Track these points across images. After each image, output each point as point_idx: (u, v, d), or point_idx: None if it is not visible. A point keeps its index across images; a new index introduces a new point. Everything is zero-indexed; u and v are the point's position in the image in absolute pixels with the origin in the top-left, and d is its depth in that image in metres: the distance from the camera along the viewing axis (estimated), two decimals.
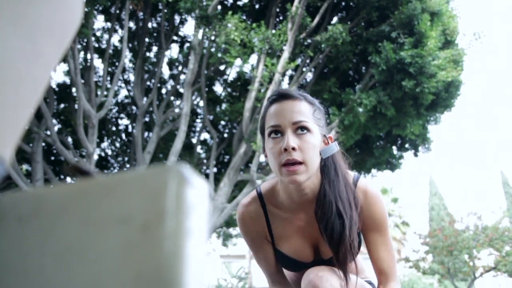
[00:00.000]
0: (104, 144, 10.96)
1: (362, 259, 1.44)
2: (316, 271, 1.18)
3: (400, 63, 7.36)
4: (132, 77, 10.20)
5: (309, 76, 9.36)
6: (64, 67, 9.52)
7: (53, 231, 0.28)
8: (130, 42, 9.57)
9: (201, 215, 0.27)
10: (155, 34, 9.92)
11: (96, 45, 9.60)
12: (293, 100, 1.20)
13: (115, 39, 10.63)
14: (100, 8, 8.64)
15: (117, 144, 11.02)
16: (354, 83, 9.41)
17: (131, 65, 10.41)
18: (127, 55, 9.84)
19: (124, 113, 10.97)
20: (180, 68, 10.33)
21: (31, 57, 0.33)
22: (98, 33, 9.74)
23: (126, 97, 10.88)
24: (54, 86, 9.43)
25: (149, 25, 9.57)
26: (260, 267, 1.38)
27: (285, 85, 9.35)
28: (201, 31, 8.28)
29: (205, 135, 11.08)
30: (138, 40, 9.54)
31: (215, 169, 10.12)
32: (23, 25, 0.32)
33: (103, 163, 10.87)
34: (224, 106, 10.68)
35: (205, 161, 10.55)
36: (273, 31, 7.84)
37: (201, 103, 10.18)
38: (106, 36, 9.67)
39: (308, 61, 8.81)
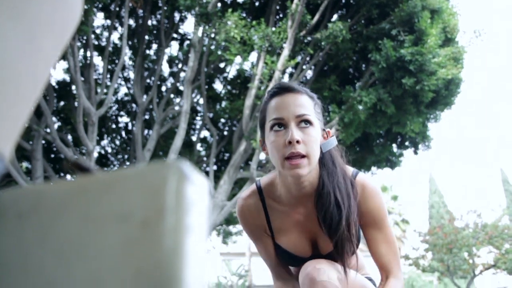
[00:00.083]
0: (104, 142, 10.97)
1: (363, 256, 1.44)
2: (313, 264, 1.18)
3: (400, 60, 7.36)
4: (132, 75, 10.19)
5: (309, 73, 9.35)
6: (63, 64, 9.51)
7: (53, 227, 0.28)
8: (130, 40, 9.55)
9: (201, 211, 0.27)
10: (155, 32, 9.91)
11: (96, 42, 9.59)
12: (295, 93, 1.20)
13: (115, 37, 10.64)
14: (100, 6, 8.62)
15: (117, 142, 11.02)
16: (354, 80, 9.40)
17: (131, 62, 10.40)
18: (127, 53, 9.83)
19: (124, 110, 10.97)
20: (180, 65, 10.32)
21: (31, 54, 0.33)
22: (98, 31, 9.73)
23: (126, 94, 10.88)
24: (54, 83, 9.43)
25: (149, 22, 9.56)
26: (263, 259, 1.39)
27: None
28: (201, 29, 8.27)
29: (205, 133, 11.09)
30: (138, 38, 9.53)
31: (215, 167, 10.13)
32: (22, 21, 0.32)
33: (103, 161, 10.87)
34: (224, 103, 10.67)
35: (205, 158, 10.56)
36: (273, 29, 7.83)
37: (201, 101, 10.18)
38: (106, 33, 9.66)
39: (308, 58, 8.80)
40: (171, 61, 10.66)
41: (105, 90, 8.49)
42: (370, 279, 1.40)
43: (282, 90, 1.21)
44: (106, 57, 8.43)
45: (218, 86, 10.88)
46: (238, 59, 9.09)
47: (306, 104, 1.19)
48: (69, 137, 9.43)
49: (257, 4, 9.24)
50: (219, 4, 8.33)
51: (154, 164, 0.27)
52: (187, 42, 10.29)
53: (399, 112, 8.00)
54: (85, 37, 8.40)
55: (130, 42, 9.64)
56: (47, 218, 0.28)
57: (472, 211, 12.34)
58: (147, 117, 10.29)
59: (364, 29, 8.18)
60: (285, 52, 7.57)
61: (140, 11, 9.28)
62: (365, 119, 7.90)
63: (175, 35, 10.15)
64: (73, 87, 8.85)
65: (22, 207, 0.29)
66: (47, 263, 0.27)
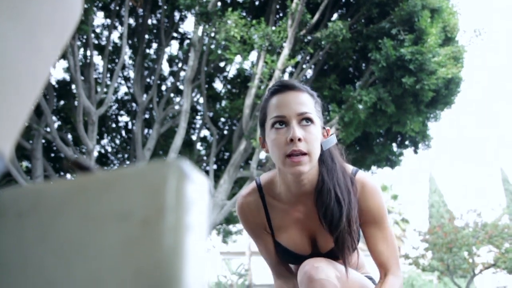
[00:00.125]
0: (104, 141, 10.96)
1: (364, 256, 1.44)
2: (312, 262, 1.18)
3: (400, 60, 7.35)
4: (132, 74, 10.19)
5: (309, 73, 9.35)
6: (63, 64, 9.52)
7: (53, 226, 0.28)
8: (130, 39, 9.55)
9: (201, 210, 0.27)
10: (155, 31, 9.90)
11: (96, 41, 9.58)
12: (296, 91, 1.20)
13: (114, 36, 10.63)
14: (100, 5, 8.62)
15: (117, 141, 11.02)
16: (354, 80, 9.40)
17: (131, 62, 10.39)
18: (127, 52, 9.83)
19: (124, 110, 10.97)
20: (180, 65, 10.32)
21: (31, 53, 0.33)
22: (98, 30, 9.73)
23: (126, 94, 10.87)
24: (54, 83, 9.42)
25: (149, 21, 9.55)
26: (263, 258, 1.39)
27: None
28: (201, 28, 8.27)
29: (205, 132, 11.09)
30: (138, 37, 9.53)
31: (215, 166, 10.13)
32: (22, 20, 0.32)
33: (103, 160, 10.87)
34: (224, 103, 10.67)
35: (205, 158, 10.56)
36: (273, 28, 7.83)
37: (201, 100, 10.17)
38: (105, 32, 9.66)
39: (308, 58, 8.80)
40: (171, 60, 10.65)
41: (105, 89, 8.49)
42: (370, 278, 1.40)
43: (283, 87, 1.21)
44: (106, 56, 8.42)
45: (218, 85, 10.89)
46: (238, 58, 9.09)
47: (307, 102, 1.19)
48: (69, 136, 9.43)
49: (257, 3, 9.24)
50: (219, 3, 8.33)
51: (154, 163, 0.27)
52: (187, 41, 10.28)
53: (399, 111, 8.00)
54: (85, 36, 8.40)
55: (130, 41, 9.64)
56: (47, 217, 0.28)
57: (472, 211, 12.34)
58: (147, 116, 10.29)
59: (364, 28, 8.18)
60: (285, 51, 7.57)
61: (140, 10, 9.28)
62: (365, 118, 7.90)
63: (175, 34, 10.15)
64: (73, 86, 8.85)
65: (22, 206, 0.29)
66: (47, 262, 0.27)
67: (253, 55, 8.96)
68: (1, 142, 0.30)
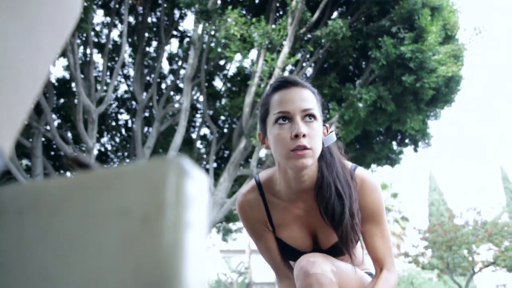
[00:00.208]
0: (104, 139, 10.97)
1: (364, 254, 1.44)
2: (308, 257, 1.19)
3: (400, 58, 7.35)
4: (131, 72, 10.18)
5: (309, 71, 9.35)
6: (63, 62, 9.52)
7: (52, 224, 0.28)
8: (130, 37, 9.54)
9: (201, 207, 0.27)
10: (154, 29, 9.89)
11: (96, 40, 9.58)
12: (300, 87, 1.21)
13: (114, 34, 10.63)
14: (100, 3, 8.61)
15: (117, 139, 11.03)
16: (354, 78, 9.40)
17: (130, 60, 10.39)
18: (126, 50, 9.82)
19: (124, 108, 10.97)
20: (180, 63, 10.31)
21: (30, 51, 0.33)
22: (98, 28, 9.72)
23: (125, 92, 10.87)
24: (53, 81, 9.42)
25: (149, 19, 9.54)
26: (265, 260, 1.39)
27: None
28: (201, 26, 8.26)
29: (205, 130, 11.09)
30: (137, 35, 9.52)
31: (215, 164, 10.13)
32: (22, 18, 0.32)
33: (103, 158, 10.87)
34: (224, 101, 10.67)
35: (205, 156, 10.56)
36: (273, 26, 7.82)
37: (201, 98, 10.17)
38: (105, 31, 9.65)
39: (308, 56, 8.79)
40: (171, 58, 10.65)
41: (105, 88, 8.48)
42: (370, 274, 1.40)
43: (286, 83, 1.21)
44: (106, 55, 8.42)
45: (218, 83, 10.89)
46: (238, 56, 9.08)
47: (310, 98, 1.20)
48: (69, 134, 9.43)
49: (257, 1, 9.23)
50: (219, 1, 8.32)
51: (154, 160, 0.27)
52: (187, 39, 10.28)
53: (399, 109, 8.00)
54: (85, 35, 8.39)
55: (130, 40, 9.63)
56: (46, 214, 0.28)
57: (472, 209, 12.35)
58: (147, 114, 10.29)
59: (364, 26, 8.17)
60: (285, 50, 7.56)
61: (140, 8, 9.27)
62: (365, 116, 7.90)
63: (175, 33, 10.14)
64: (73, 85, 8.84)
65: (22, 203, 0.29)
66: (47, 259, 0.27)
67: (253, 53, 8.96)
68: (1, 139, 0.30)
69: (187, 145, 10.22)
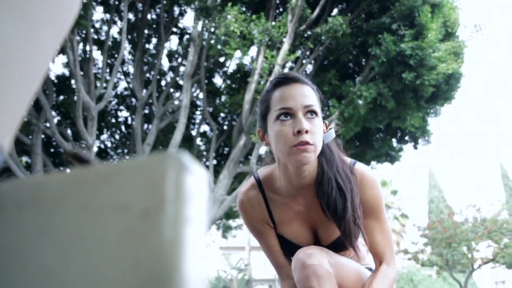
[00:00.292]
0: (104, 136, 10.97)
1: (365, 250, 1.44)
2: (305, 249, 1.19)
3: (400, 55, 7.34)
4: (131, 69, 10.17)
5: (309, 68, 9.33)
6: (63, 58, 9.49)
7: (52, 219, 0.28)
8: (129, 34, 9.52)
9: (200, 202, 0.27)
10: (154, 26, 9.87)
11: (95, 36, 9.56)
12: (301, 83, 1.21)
13: (114, 31, 10.62)
14: (99, 0, 8.59)
15: (117, 136, 11.02)
16: (354, 75, 9.38)
17: (130, 57, 10.37)
18: (126, 47, 9.80)
19: (123, 105, 10.96)
20: (179, 60, 10.30)
21: (30, 46, 0.33)
22: (97, 25, 9.70)
23: (125, 89, 10.86)
24: (53, 78, 9.41)
25: (149, 16, 9.52)
26: (267, 258, 1.39)
27: None
28: (200, 23, 8.25)
29: (204, 127, 11.09)
30: (137, 32, 9.50)
31: (214, 161, 10.13)
32: (21, 14, 0.32)
33: (102, 155, 10.87)
34: (223, 98, 10.66)
35: (204, 153, 10.56)
36: (273, 23, 7.81)
37: (201, 95, 10.16)
38: (105, 27, 9.63)
39: (308, 53, 8.78)
40: (171, 55, 10.63)
41: (104, 85, 8.47)
42: (370, 269, 1.40)
43: (287, 79, 1.21)
44: (105, 51, 8.41)
45: (218, 80, 10.88)
46: (238, 53, 9.07)
47: (311, 95, 1.20)
48: (69, 131, 9.43)
49: None
50: None
51: (153, 156, 0.27)
52: (187, 36, 10.26)
53: (399, 106, 8.00)
54: (84, 31, 8.38)
55: (129, 36, 9.61)
56: (46, 209, 0.28)
57: (471, 206, 12.38)
58: (146, 111, 10.28)
59: (364, 23, 8.16)
60: (285, 47, 7.55)
61: (140, 5, 9.25)
62: (365, 113, 7.90)
63: (174, 29, 10.12)
64: (73, 82, 8.83)
65: (22, 198, 0.29)
66: (47, 254, 0.27)
67: (253, 50, 8.95)
68: (0, 136, 0.30)
69: (187, 142, 10.22)
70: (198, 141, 10.93)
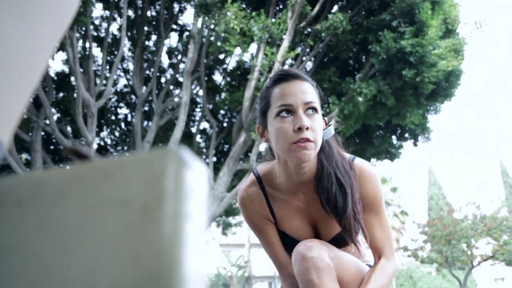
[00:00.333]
0: (104, 133, 10.97)
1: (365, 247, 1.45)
2: (306, 242, 1.20)
3: (400, 52, 7.33)
4: (131, 66, 10.16)
5: (309, 65, 9.33)
6: (62, 55, 9.49)
7: (52, 214, 0.28)
8: (129, 31, 9.51)
9: (200, 197, 0.27)
10: (154, 23, 9.86)
11: (95, 33, 9.54)
12: (301, 80, 1.21)
13: (113, 28, 10.57)
14: None
15: (117, 133, 11.02)
16: (354, 72, 9.38)
17: (130, 54, 10.36)
18: (126, 44, 9.79)
19: (123, 102, 10.96)
20: (179, 57, 10.29)
21: (29, 42, 0.33)
22: (97, 22, 9.68)
23: (125, 86, 10.85)
24: (53, 75, 9.40)
25: (148, 13, 9.50)
26: (268, 256, 1.38)
27: None
28: (200, 20, 8.23)
29: (204, 124, 11.08)
30: (137, 29, 9.49)
31: (214, 158, 10.14)
32: (21, 10, 0.32)
33: (102, 152, 10.88)
34: (223, 95, 10.65)
35: (204, 150, 10.56)
36: (273, 20, 7.80)
37: (201, 92, 10.16)
38: (104, 24, 9.61)
39: (308, 50, 8.77)
40: (171, 52, 10.62)
41: (104, 82, 8.47)
42: (370, 266, 1.40)
43: (287, 76, 1.21)
44: (105, 48, 8.39)
45: (217, 77, 10.87)
46: (237, 50, 9.06)
47: (311, 91, 1.20)
48: (69, 128, 9.43)
49: None
50: None
51: (153, 151, 0.27)
52: (187, 33, 10.24)
53: (399, 104, 8.00)
54: (84, 28, 8.36)
55: (129, 33, 9.60)
56: (46, 205, 0.28)
57: (471, 203, 12.39)
58: (146, 108, 10.28)
59: (365, 20, 8.15)
60: (285, 44, 7.54)
61: (139, 2, 9.23)
62: (365, 110, 7.90)
63: (174, 26, 10.11)
64: (72, 79, 8.82)
65: (21, 194, 0.29)
66: (47, 250, 0.27)
67: (253, 47, 8.94)
68: (0, 132, 0.30)
69: (187, 139, 10.22)
70: (198, 138, 10.94)
